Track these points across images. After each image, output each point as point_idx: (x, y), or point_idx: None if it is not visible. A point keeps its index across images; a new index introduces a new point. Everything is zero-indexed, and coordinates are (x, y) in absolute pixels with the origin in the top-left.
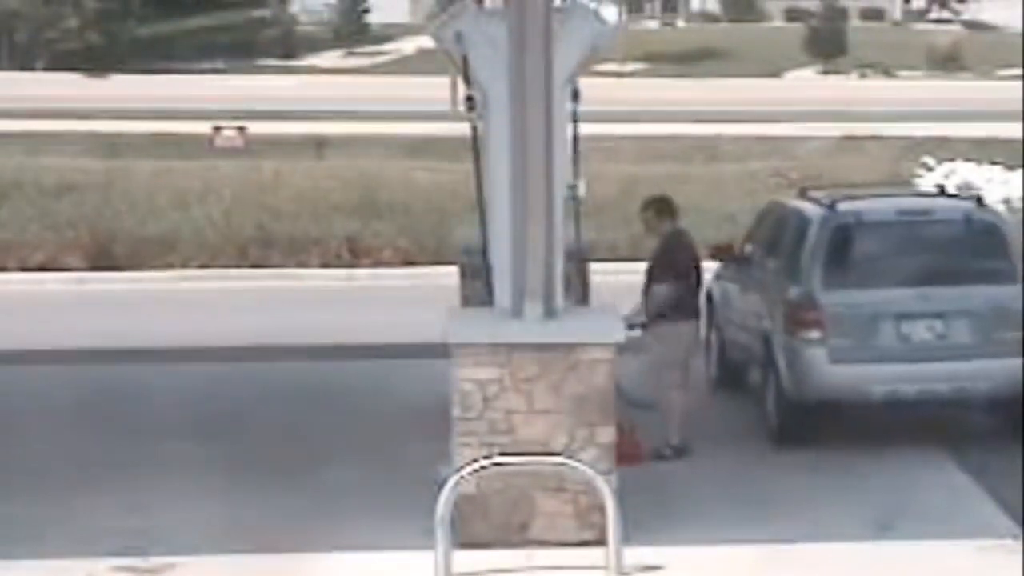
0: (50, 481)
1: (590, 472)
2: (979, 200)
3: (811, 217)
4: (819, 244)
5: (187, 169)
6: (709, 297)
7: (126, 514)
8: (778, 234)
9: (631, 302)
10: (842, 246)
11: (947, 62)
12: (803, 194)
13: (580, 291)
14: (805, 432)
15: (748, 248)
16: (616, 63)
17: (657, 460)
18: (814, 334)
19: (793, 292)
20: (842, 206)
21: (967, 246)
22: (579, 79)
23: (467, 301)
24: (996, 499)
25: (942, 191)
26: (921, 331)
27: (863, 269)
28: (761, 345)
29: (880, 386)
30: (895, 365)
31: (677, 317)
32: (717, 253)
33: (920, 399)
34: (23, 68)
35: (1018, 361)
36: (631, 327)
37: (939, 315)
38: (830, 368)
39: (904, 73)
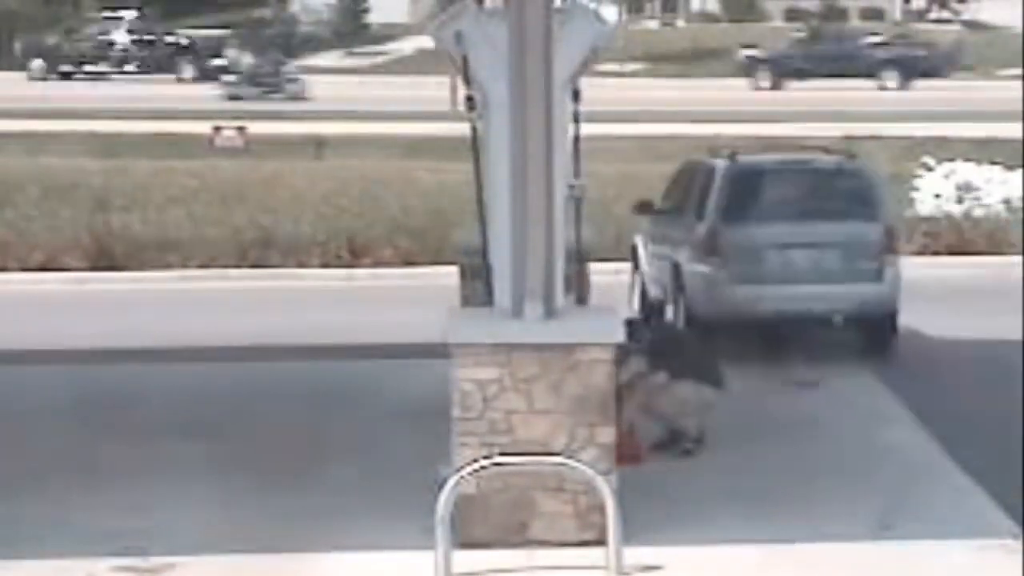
0: (50, 481)
1: (590, 472)
2: (850, 154)
3: (715, 167)
4: (720, 188)
5: (187, 169)
6: (633, 250)
7: (126, 514)
8: (690, 184)
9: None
10: (738, 189)
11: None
12: (711, 152)
13: (580, 291)
14: (703, 342)
15: (666, 203)
16: (616, 63)
17: (683, 456)
18: (715, 260)
19: (699, 227)
20: (740, 158)
21: (838, 190)
22: (579, 79)
23: (467, 301)
24: (996, 499)
25: (825, 150)
26: (800, 259)
27: (755, 208)
28: (672, 276)
29: (767, 304)
30: (779, 287)
31: None
32: (639, 208)
33: (799, 316)
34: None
35: (877, 286)
36: None
37: (815, 246)
38: (727, 289)
39: None
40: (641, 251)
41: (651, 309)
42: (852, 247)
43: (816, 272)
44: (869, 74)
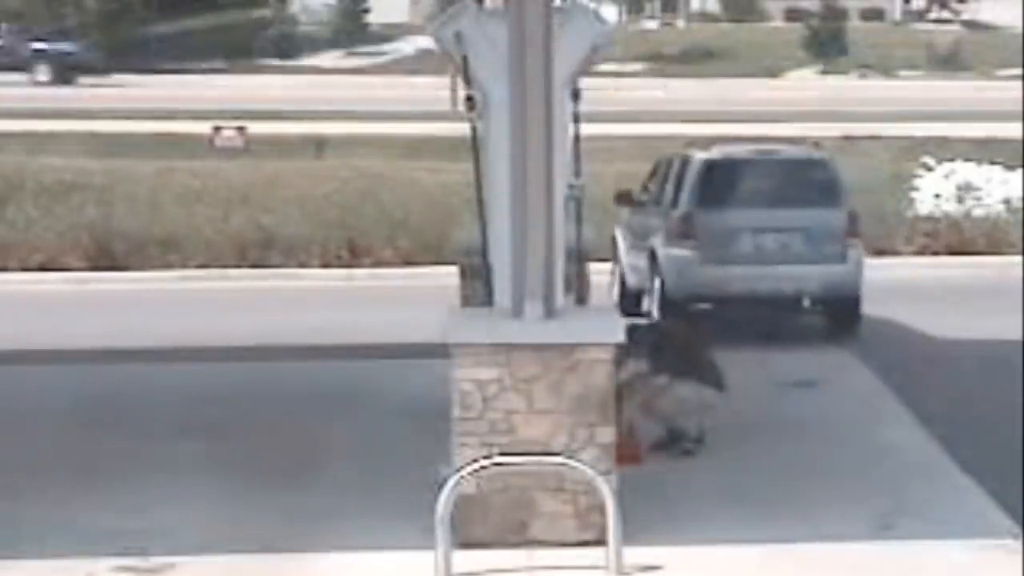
0: (50, 481)
1: (590, 472)
2: (816, 145)
3: (691, 158)
4: (695, 176)
5: (187, 169)
6: (613, 241)
7: (126, 514)
8: (667, 174)
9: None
10: (712, 177)
11: (947, 62)
12: (687, 145)
13: (580, 291)
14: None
15: (644, 194)
16: (616, 63)
17: (683, 456)
18: (689, 243)
19: (675, 213)
20: (714, 149)
21: (804, 179)
22: (579, 79)
23: (467, 301)
24: (996, 499)
25: (792, 141)
26: (770, 242)
27: (727, 195)
28: (649, 260)
29: (739, 284)
30: (750, 268)
31: None
32: (619, 199)
33: (769, 296)
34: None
35: (841, 267)
36: None
37: (783, 230)
38: (700, 270)
39: (904, 73)
40: (620, 242)
41: (629, 297)
42: (818, 231)
43: (784, 254)
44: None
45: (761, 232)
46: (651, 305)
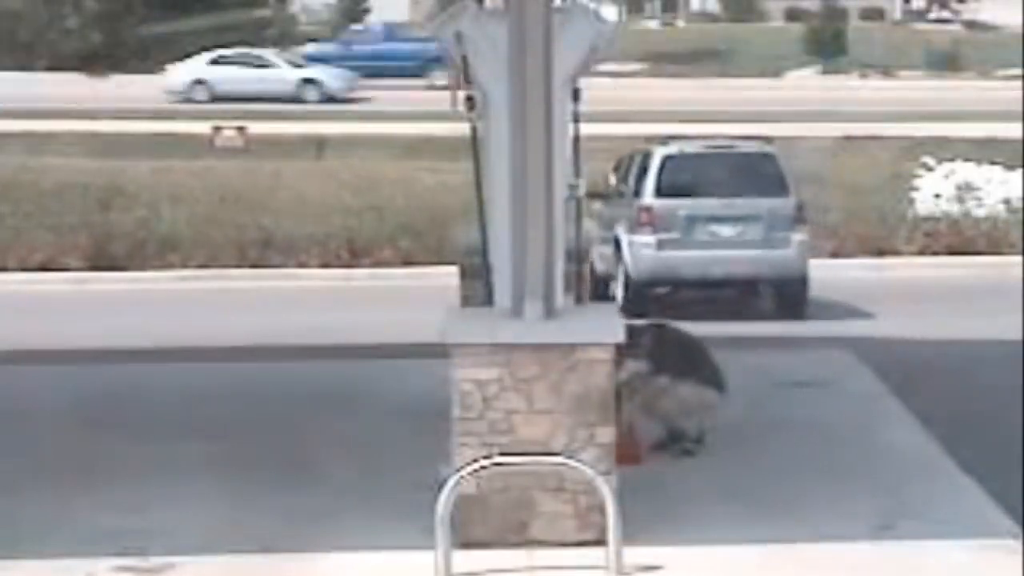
0: (50, 481)
1: (590, 472)
2: (767, 140)
3: (651, 152)
4: (655, 169)
5: (187, 169)
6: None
7: (126, 514)
8: (629, 168)
9: None
10: (670, 170)
11: (947, 62)
12: (647, 141)
13: (579, 291)
14: (640, 305)
15: (611, 187)
16: (616, 63)
17: (683, 456)
18: (648, 230)
19: (636, 204)
20: (672, 144)
21: (755, 171)
22: (579, 79)
23: (467, 301)
24: (996, 499)
25: (744, 138)
26: (723, 230)
27: (684, 186)
28: (615, 248)
29: (695, 268)
30: (705, 252)
31: None
32: (589, 194)
33: (723, 279)
34: (23, 68)
35: (789, 251)
36: None
37: (735, 219)
38: (659, 254)
39: (904, 73)
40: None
41: (598, 283)
42: (767, 220)
43: (736, 241)
44: None
45: (715, 221)
46: (616, 289)
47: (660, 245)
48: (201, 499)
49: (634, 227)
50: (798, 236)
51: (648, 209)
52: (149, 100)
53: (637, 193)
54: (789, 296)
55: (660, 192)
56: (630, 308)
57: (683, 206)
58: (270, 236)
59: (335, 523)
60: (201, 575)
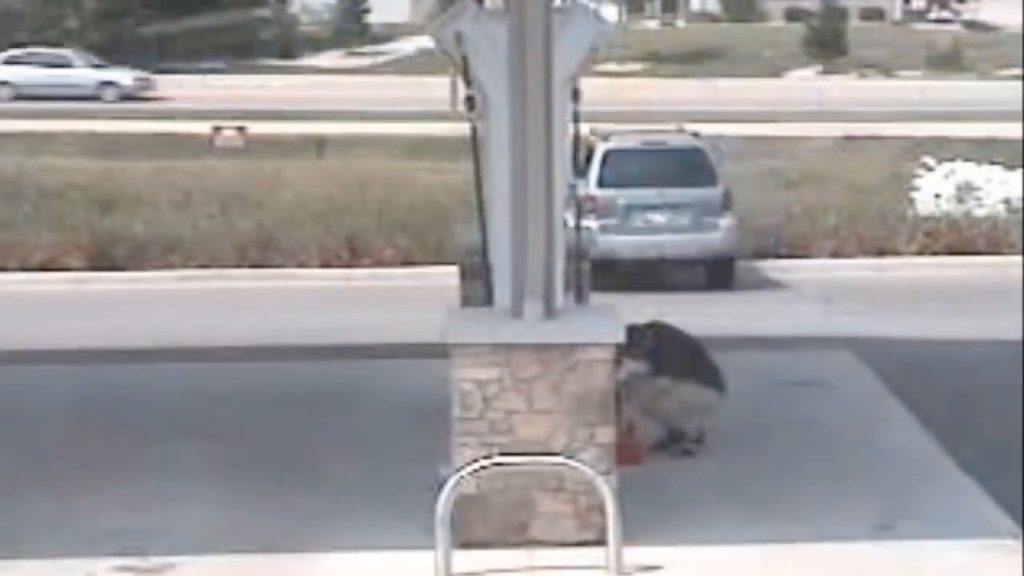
0: (50, 481)
1: (590, 472)
2: (696, 135)
3: (594, 147)
4: (598, 161)
5: (187, 169)
6: None
7: (126, 514)
8: (577, 160)
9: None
10: (611, 162)
11: (947, 62)
12: (592, 133)
13: (580, 291)
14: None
15: None
16: (616, 63)
17: (683, 456)
18: (592, 216)
19: (582, 192)
20: (613, 138)
21: (686, 163)
22: (579, 79)
23: (467, 301)
24: (996, 499)
25: (680, 130)
26: (658, 216)
27: (623, 176)
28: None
29: (632, 251)
30: (642, 237)
31: None
32: None
33: (657, 259)
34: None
35: (717, 234)
36: None
37: (669, 206)
38: (601, 238)
39: (904, 73)
40: None
41: None
42: (696, 207)
43: (669, 226)
44: None
45: (650, 209)
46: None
47: (603, 230)
48: (201, 499)
49: (581, 212)
50: (725, 221)
51: (592, 199)
52: None
53: (584, 183)
54: (716, 273)
55: (602, 183)
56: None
57: (622, 196)
58: (270, 236)
59: (335, 523)
60: (201, 575)
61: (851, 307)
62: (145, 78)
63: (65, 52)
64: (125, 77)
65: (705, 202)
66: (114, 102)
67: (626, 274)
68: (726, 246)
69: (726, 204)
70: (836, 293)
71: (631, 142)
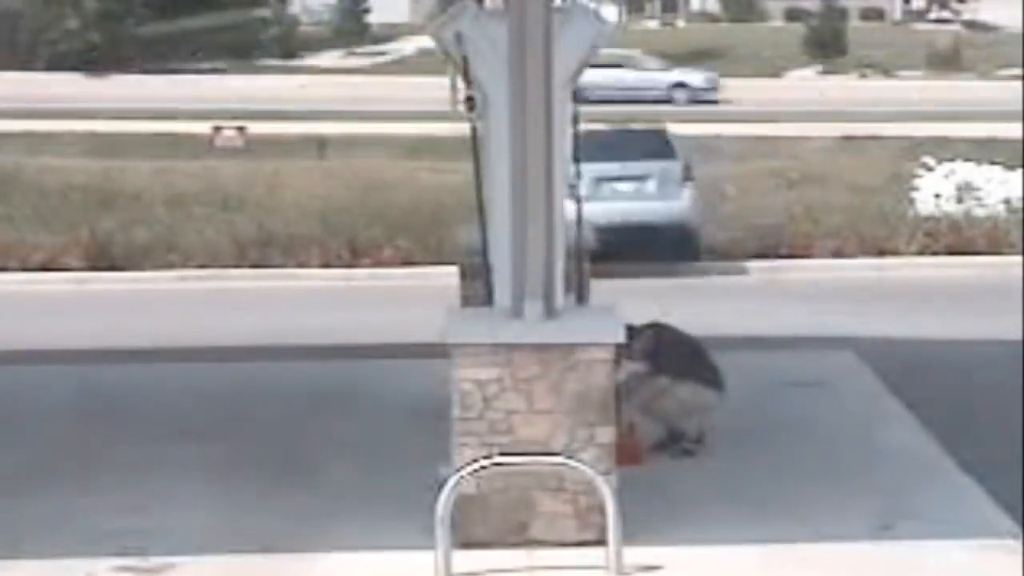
0: (49, 481)
1: (590, 472)
2: (658, 122)
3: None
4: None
5: (187, 169)
6: None
7: (126, 514)
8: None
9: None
10: (584, 146)
11: (947, 62)
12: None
13: (580, 291)
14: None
15: None
16: None
17: (683, 456)
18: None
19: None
20: (585, 127)
21: (649, 142)
22: (579, 79)
23: (467, 301)
24: (996, 499)
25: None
26: (625, 187)
27: (594, 154)
28: None
29: (603, 218)
30: (610, 204)
31: None
32: None
33: (624, 225)
34: (23, 68)
35: (677, 202)
36: None
37: (634, 178)
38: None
39: (904, 73)
40: None
41: None
42: (659, 177)
43: (636, 194)
44: None
45: (619, 180)
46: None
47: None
48: (201, 499)
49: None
50: (686, 191)
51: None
52: None
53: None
54: (679, 238)
55: (575, 160)
56: None
57: (594, 170)
58: (270, 236)
59: (335, 523)
60: (201, 575)
61: (851, 307)
62: (712, 78)
63: (631, 53)
64: (696, 79)
65: (666, 173)
66: (684, 105)
67: (597, 240)
68: (688, 214)
69: (687, 176)
70: (836, 293)
71: (603, 130)
